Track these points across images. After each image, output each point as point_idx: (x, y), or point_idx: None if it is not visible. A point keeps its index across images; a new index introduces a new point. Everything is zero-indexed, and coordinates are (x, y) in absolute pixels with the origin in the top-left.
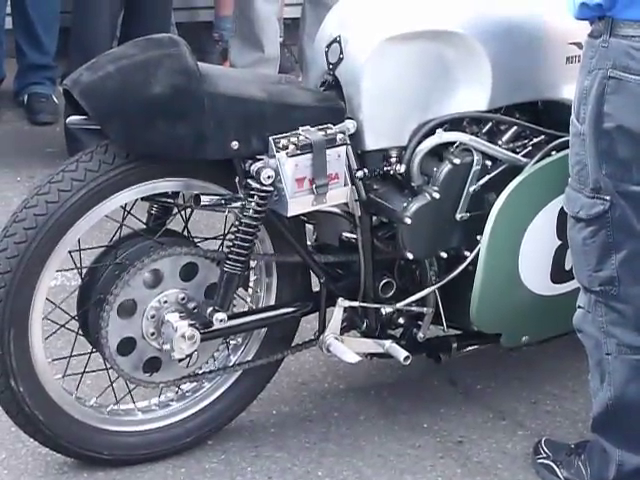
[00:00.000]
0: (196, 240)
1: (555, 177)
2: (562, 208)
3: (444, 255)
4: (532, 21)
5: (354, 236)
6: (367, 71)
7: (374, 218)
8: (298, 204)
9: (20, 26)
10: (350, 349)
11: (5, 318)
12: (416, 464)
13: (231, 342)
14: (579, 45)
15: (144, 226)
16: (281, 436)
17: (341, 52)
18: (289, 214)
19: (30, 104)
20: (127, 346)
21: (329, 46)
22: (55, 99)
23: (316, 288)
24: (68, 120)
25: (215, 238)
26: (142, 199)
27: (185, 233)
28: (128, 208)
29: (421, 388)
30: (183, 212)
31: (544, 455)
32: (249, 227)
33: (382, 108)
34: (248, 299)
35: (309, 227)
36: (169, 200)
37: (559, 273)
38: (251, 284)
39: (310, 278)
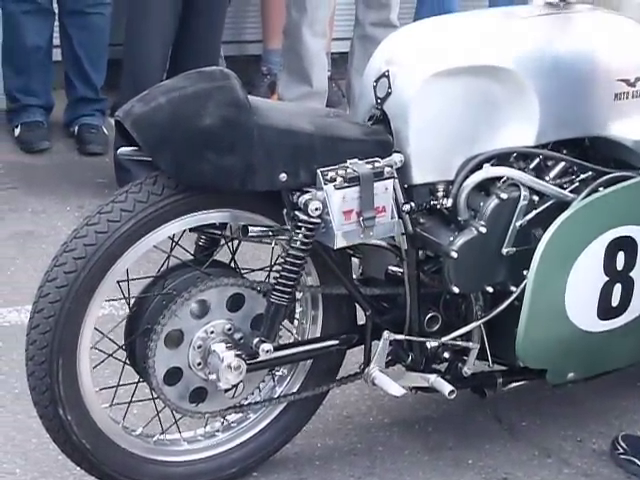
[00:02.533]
0: (243, 271)
1: (603, 213)
2: (609, 244)
3: (490, 290)
4: (580, 58)
5: (400, 270)
6: (415, 105)
7: (420, 252)
8: (345, 237)
9: (68, 59)
10: (395, 382)
11: (54, 347)
12: None
13: (277, 373)
14: (627, 82)
15: (191, 257)
16: (326, 469)
17: (389, 86)
18: (336, 246)
19: (80, 135)
20: (174, 376)
21: (377, 80)
22: (105, 130)
23: (361, 321)
24: (119, 151)
25: (262, 269)
26: (190, 230)
27: (232, 264)
28: (176, 239)
29: (466, 424)
30: (230, 243)
31: (622, 451)
32: (296, 259)
33: (430, 142)
34: (294, 331)
35: (355, 261)
36: (216, 231)
37: (606, 309)
38: (297, 316)
39: (355, 311)
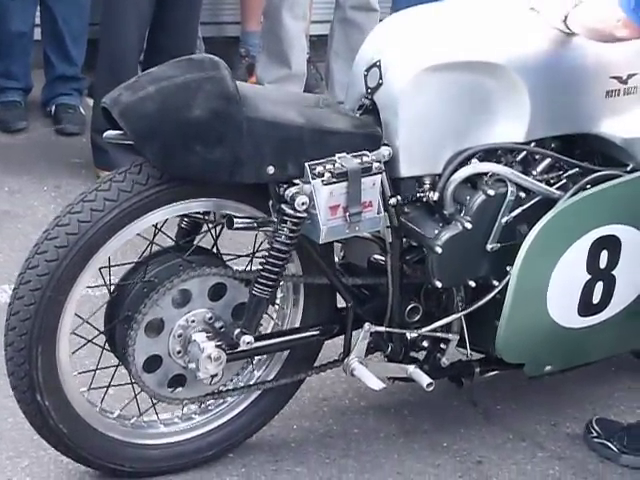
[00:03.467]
0: (225, 258)
1: (588, 212)
2: (593, 243)
3: (472, 284)
4: (572, 54)
5: (383, 259)
6: (406, 98)
7: (403, 240)
8: (331, 232)
9: (49, 37)
10: (374, 373)
11: (34, 334)
12: None
13: (255, 358)
14: (619, 79)
15: (173, 243)
16: (301, 451)
17: (380, 77)
18: (321, 241)
19: (57, 114)
20: (153, 363)
21: (368, 70)
22: (82, 110)
23: (340, 307)
24: (105, 135)
25: (246, 256)
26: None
27: (214, 251)
28: (159, 226)
29: (441, 408)
30: (213, 230)
31: (595, 434)
32: (280, 252)
33: (419, 135)
34: (274, 315)
35: (337, 245)
36: (200, 217)
37: (586, 306)
38: (278, 301)
39: (336, 299)
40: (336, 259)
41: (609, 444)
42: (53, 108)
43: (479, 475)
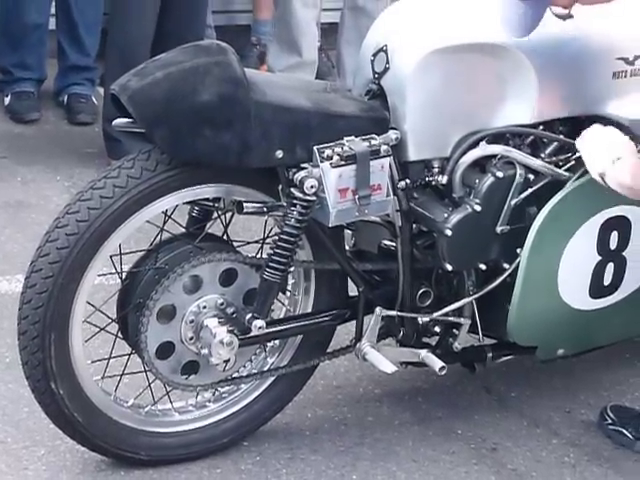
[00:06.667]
0: (235, 244)
1: (597, 193)
2: (603, 224)
3: (483, 267)
4: (579, 36)
5: (393, 244)
6: (413, 82)
7: (413, 226)
8: (340, 215)
9: (63, 27)
10: (386, 358)
11: (46, 322)
12: (450, 470)
13: (268, 344)
14: (626, 60)
15: (184, 230)
16: (316, 439)
17: (387, 62)
18: (331, 224)
19: (70, 104)
20: (166, 350)
21: (375, 55)
22: (94, 100)
23: (352, 293)
24: (114, 123)
25: (256, 242)
26: (183, 202)
27: (225, 237)
28: (169, 213)
29: (456, 394)
30: (223, 216)
31: (610, 421)
32: (290, 236)
33: (426, 119)
34: (286, 302)
35: (347, 232)
36: (210, 204)
37: (598, 288)
38: (289, 287)
39: (347, 285)
40: (347, 247)
41: (624, 431)
42: (65, 98)
43: (493, 462)
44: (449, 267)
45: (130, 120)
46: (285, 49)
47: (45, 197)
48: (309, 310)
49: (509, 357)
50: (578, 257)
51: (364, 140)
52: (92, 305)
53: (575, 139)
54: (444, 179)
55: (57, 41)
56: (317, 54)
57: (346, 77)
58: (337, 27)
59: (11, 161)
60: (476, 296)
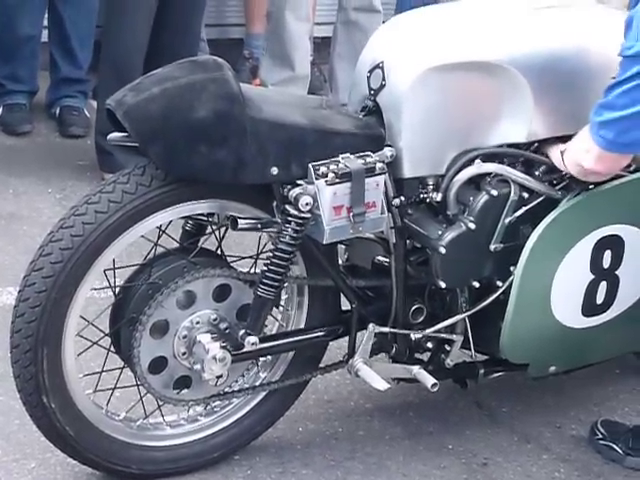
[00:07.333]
0: (229, 259)
1: (591, 212)
2: (597, 243)
3: (476, 284)
4: (575, 55)
5: (387, 260)
6: (409, 99)
7: (407, 242)
8: (335, 232)
9: (56, 39)
10: (378, 374)
11: (39, 336)
12: None
13: (261, 359)
14: None
15: (178, 245)
16: (307, 453)
17: (383, 78)
18: (325, 242)
19: (62, 117)
20: (158, 365)
21: (371, 71)
22: (87, 112)
23: (345, 308)
24: (109, 137)
25: (250, 257)
26: (178, 218)
27: (218, 252)
28: (163, 228)
29: (447, 409)
30: (217, 231)
31: (600, 436)
32: (284, 253)
33: (422, 137)
34: (279, 317)
35: (341, 247)
36: (204, 218)
37: (590, 306)
38: (282, 302)
39: (340, 301)
40: (340, 261)
41: (614, 446)
42: (58, 110)
43: (484, 477)
44: (442, 284)
45: (125, 134)
46: (278, 63)
47: (37, 209)
48: (302, 326)
49: (501, 374)
50: (571, 276)
51: (359, 157)
52: (85, 319)
53: None
54: (439, 196)
55: (49, 53)
56: (310, 68)
57: (338, 92)
58: (330, 41)
59: (3, 173)
60: (469, 313)
